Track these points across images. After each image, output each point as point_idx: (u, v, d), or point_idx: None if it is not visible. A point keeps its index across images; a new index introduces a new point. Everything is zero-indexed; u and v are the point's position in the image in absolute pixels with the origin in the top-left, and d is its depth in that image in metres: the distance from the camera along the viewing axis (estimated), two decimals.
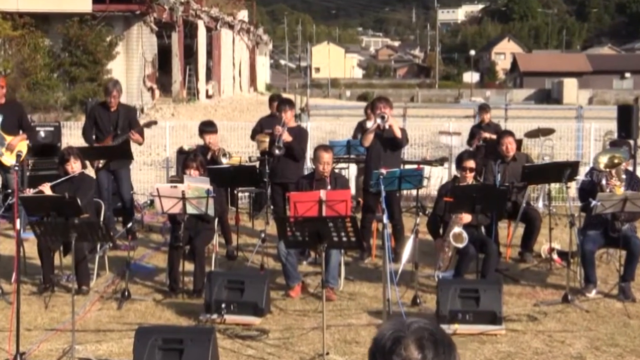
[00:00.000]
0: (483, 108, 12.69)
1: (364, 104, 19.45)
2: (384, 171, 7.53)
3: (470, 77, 78.75)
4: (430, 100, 63.01)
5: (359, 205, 10.24)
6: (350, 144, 11.36)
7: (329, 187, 7.56)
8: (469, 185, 7.62)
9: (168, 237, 8.40)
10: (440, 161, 12.36)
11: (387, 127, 8.48)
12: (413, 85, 78.97)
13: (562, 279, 7.72)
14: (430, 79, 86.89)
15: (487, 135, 11.93)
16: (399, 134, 8.56)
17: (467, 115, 19.24)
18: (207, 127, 9.41)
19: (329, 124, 16.60)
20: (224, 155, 9.15)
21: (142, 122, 10.22)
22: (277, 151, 8.84)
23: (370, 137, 8.66)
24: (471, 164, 7.67)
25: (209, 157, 8.96)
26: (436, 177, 12.12)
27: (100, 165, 9.51)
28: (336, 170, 9.99)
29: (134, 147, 9.78)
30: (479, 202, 7.32)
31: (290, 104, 9.43)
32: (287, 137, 8.86)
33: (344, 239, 5.79)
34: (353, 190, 11.30)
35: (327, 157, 7.72)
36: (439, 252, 7.60)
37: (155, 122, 10.23)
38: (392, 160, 8.61)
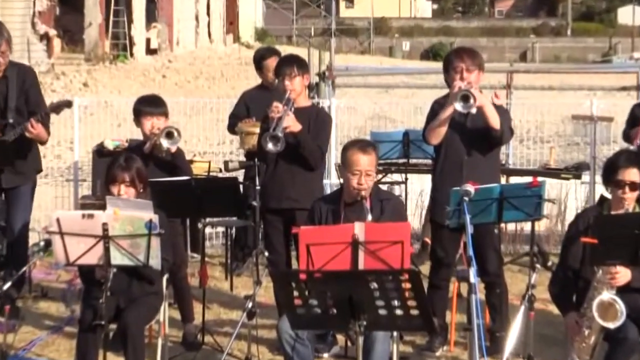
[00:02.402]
0: None
1: (434, 65, 19.36)
2: (470, 188, 7.54)
3: (632, 15, 78.65)
4: (556, 58, 62.97)
5: (425, 250, 10.25)
6: (410, 137, 11.38)
7: (369, 216, 7.58)
8: (628, 214, 7.60)
9: (77, 309, 8.42)
10: (576, 170, 12.35)
11: (473, 110, 8.48)
12: (526, 31, 78.87)
13: None
14: (557, 20, 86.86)
15: None
16: (496, 121, 8.56)
17: (623, 87, 19.24)
18: (148, 107, 9.36)
19: (369, 102, 16.66)
20: (169, 135, 8.96)
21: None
22: (271, 145, 8.75)
23: (442, 129, 8.68)
24: (633, 174, 7.65)
25: (146, 150, 8.90)
26: (568, 200, 12.11)
27: None
28: (384, 187, 10.01)
29: None
30: None
31: (301, 64, 9.46)
32: (293, 124, 8.88)
33: (398, 311, 5.80)
34: (415, 224, 11.33)
35: (365, 161, 7.73)
36: (572, 337, 7.59)
37: (68, 104, 10.31)
38: (484, 168, 8.66)
